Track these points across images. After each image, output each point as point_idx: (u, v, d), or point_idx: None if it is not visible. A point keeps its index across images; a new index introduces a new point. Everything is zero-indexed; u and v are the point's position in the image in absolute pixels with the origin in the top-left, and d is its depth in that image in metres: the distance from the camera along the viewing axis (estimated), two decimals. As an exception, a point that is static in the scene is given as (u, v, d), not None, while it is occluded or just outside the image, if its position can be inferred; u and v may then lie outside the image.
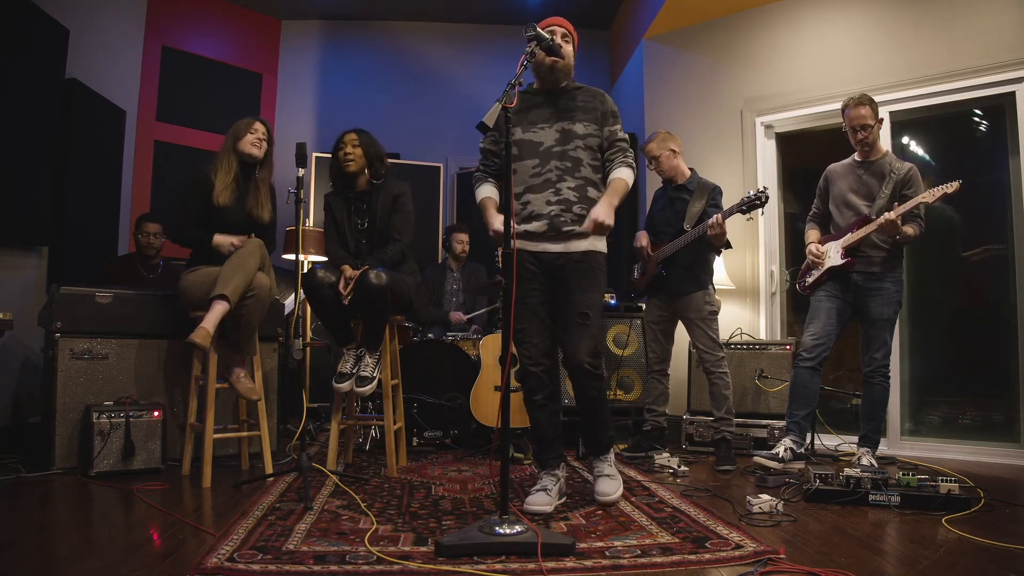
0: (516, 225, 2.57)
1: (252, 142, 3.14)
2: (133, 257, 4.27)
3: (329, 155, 3.28)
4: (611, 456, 2.67)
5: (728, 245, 3.46)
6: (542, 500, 2.44)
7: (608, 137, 2.63)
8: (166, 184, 5.14)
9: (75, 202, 4.18)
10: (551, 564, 1.84)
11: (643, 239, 3.65)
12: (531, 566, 1.84)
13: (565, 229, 2.54)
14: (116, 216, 4.78)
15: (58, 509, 2.52)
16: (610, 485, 2.57)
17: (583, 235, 2.55)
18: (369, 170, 3.21)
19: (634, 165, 2.62)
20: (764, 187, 3.30)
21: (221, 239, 3.04)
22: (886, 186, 3.15)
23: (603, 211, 2.46)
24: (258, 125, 3.18)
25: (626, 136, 2.67)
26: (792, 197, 4.65)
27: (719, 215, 3.26)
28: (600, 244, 2.62)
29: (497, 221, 2.58)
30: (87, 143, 4.32)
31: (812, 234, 3.43)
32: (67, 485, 2.80)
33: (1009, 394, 3.67)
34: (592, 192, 2.59)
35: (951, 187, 2.96)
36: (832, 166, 3.40)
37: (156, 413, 3.06)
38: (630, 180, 2.58)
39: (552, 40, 2.43)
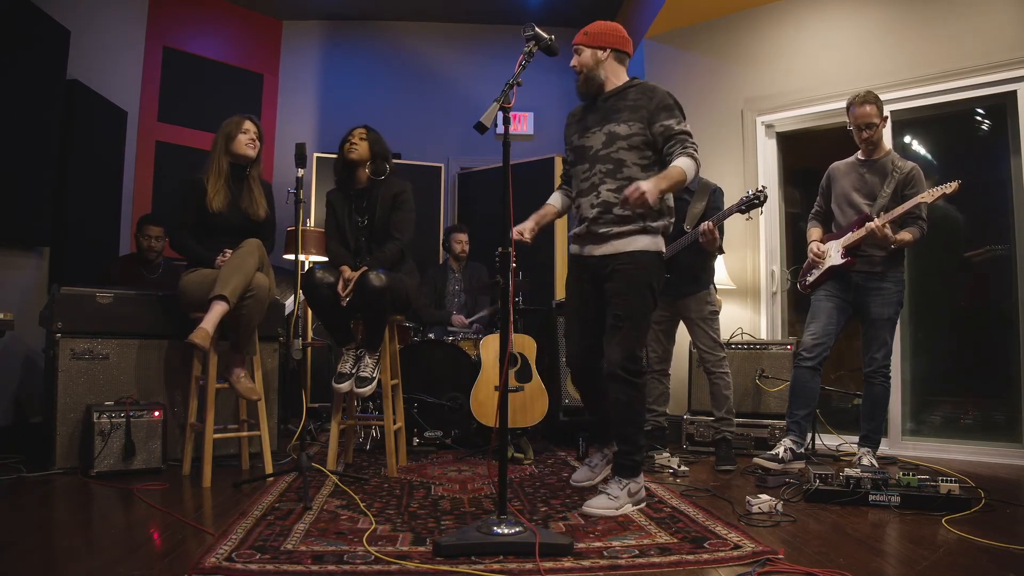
0: (572, 230, 2.73)
1: (246, 143, 3.11)
2: (134, 257, 4.27)
3: (330, 155, 3.29)
4: (628, 484, 2.47)
5: (720, 251, 3.46)
6: (583, 475, 2.84)
7: (663, 133, 2.52)
8: (167, 185, 5.14)
9: (76, 202, 4.18)
10: (549, 564, 1.84)
11: None
12: (529, 566, 1.84)
13: (602, 231, 2.53)
14: (117, 216, 4.78)
15: (59, 509, 2.53)
16: (602, 501, 2.43)
17: (625, 235, 2.51)
18: (370, 165, 3.21)
19: (696, 155, 2.46)
20: (763, 186, 3.29)
21: (221, 260, 3.01)
22: (888, 185, 3.14)
23: (646, 184, 2.30)
24: (249, 124, 3.13)
25: (685, 128, 2.52)
26: (793, 196, 4.64)
27: (709, 222, 3.24)
28: (651, 243, 2.53)
29: (524, 225, 2.68)
30: (88, 144, 4.32)
31: (814, 232, 3.42)
32: (68, 485, 2.81)
33: (1010, 394, 3.66)
34: None
35: (950, 187, 2.95)
36: (835, 164, 3.39)
37: (156, 413, 3.06)
38: (689, 169, 2.42)
39: (551, 41, 2.42)
